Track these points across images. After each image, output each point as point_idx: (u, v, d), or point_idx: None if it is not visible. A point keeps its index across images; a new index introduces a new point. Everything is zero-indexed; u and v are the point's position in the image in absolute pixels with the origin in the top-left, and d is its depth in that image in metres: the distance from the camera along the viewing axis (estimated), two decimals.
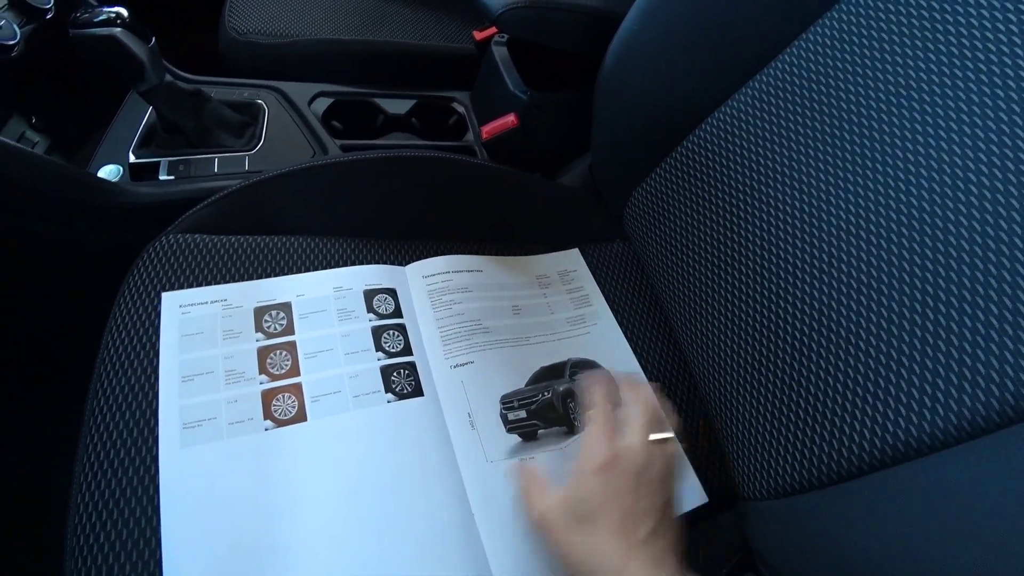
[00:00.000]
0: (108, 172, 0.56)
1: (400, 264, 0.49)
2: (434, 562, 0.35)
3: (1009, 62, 0.28)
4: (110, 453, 0.35)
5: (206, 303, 0.41)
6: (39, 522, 0.37)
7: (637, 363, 0.49)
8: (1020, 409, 0.26)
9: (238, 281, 0.44)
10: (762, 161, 0.40)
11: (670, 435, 0.38)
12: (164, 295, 0.41)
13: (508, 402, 0.43)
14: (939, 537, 0.28)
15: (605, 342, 0.50)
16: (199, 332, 0.40)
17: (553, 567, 0.36)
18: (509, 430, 0.42)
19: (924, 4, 0.32)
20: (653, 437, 0.36)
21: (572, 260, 0.55)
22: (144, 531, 0.33)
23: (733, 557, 0.44)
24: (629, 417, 0.36)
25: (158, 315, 0.40)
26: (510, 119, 0.56)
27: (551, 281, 0.52)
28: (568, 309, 0.51)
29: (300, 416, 0.38)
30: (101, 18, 0.48)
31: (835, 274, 0.34)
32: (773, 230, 0.38)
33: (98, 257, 0.55)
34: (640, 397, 0.38)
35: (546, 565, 0.36)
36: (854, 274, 0.33)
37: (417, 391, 0.41)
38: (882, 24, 0.34)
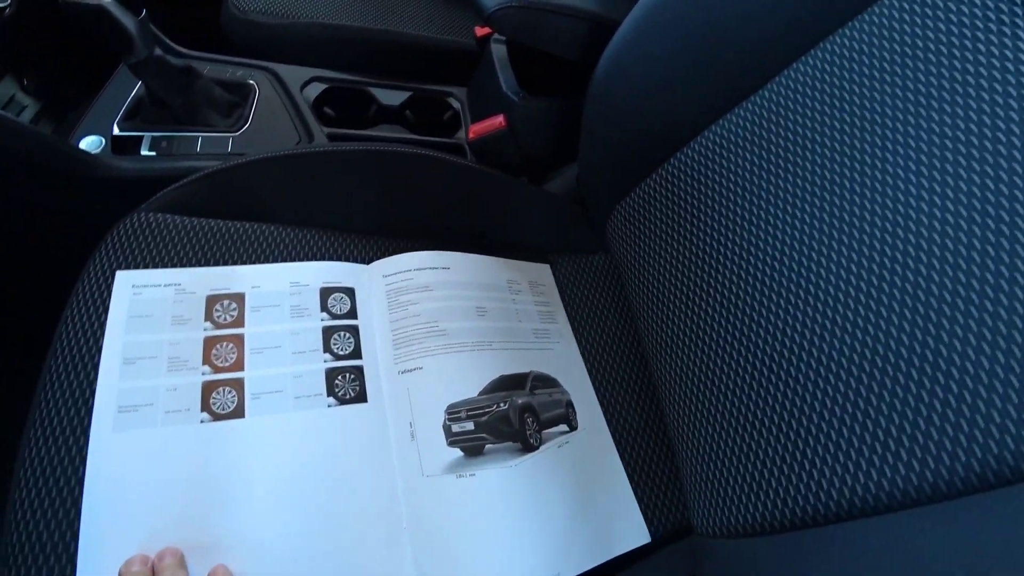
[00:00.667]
0: (89, 143, 0.55)
1: (365, 262, 0.47)
2: (356, 573, 0.34)
3: (988, 121, 0.27)
4: (47, 430, 0.35)
5: (159, 286, 0.41)
6: None
7: (592, 387, 0.48)
8: (984, 477, 0.25)
9: (200, 266, 0.43)
10: (747, 186, 0.38)
11: None
12: (118, 273, 0.40)
13: (455, 412, 0.41)
14: None
15: (564, 362, 0.48)
16: (148, 315, 0.39)
17: None
18: (450, 443, 0.40)
19: (921, 45, 0.30)
20: None
21: (543, 273, 0.53)
22: (68, 510, 0.33)
23: None
24: None
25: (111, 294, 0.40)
26: (498, 120, 0.55)
27: (521, 288, 0.51)
28: (534, 320, 0.50)
29: (238, 412, 0.37)
30: None
31: (811, 313, 0.33)
32: (752, 259, 0.37)
33: (73, 228, 0.54)
34: None
35: None
36: (830, 316, 0.32)
37: (360, 397, 0.40)
38: (875, 61, 0.32)
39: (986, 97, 0.27)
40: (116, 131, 0.56)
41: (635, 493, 0.44)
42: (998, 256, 0.26)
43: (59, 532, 0.32)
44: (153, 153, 0.55)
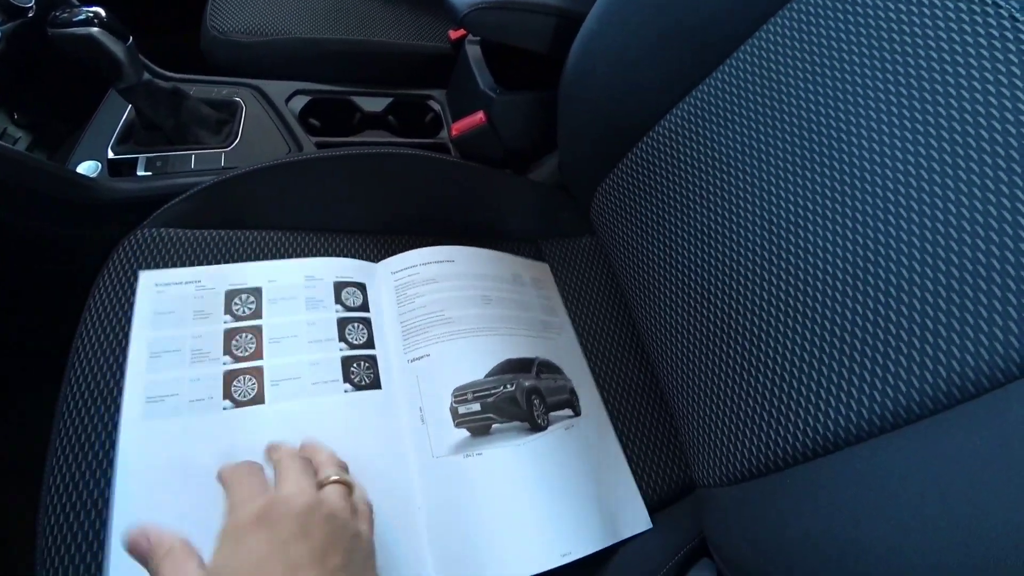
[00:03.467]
0: (86, 168, 0.57)
1: (372, 260, 0.50)
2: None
3: (961, 60, 0.29)
4: (76, 423, 0.37)
5: (181, 283, 0.43)
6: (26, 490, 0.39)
7: (592, 377, 0.50)
8: (951, 395, 0.27)
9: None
10: (719, 153, 0.41)
11: (343, 478, 0.32)
12: (141, 273, 0.43)
13: (460, 395, 0.43)
14: (870, 518, 0.29)
15: (566, 353, 0.50)
16: (171, 311, 0.41)
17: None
18: (457, 424, 0.42)
19: (879, 3, 0.33)
20: (329, 477, 0.31)
21: (543, 271, 0.56)
22: (95, 499, 0.35)
23: (689, 543, 0.45)
24: (282, 467, 0.31)
25: (134, 294, 0.42)
26: (478, 117, 0.58)
27: (525, 283, 0.53)
28: (537, 311, 0.51)
29: (258, 398, 0.39)
30: (79, 18, 0.50)
31: (791, 260, 0.35)
32: (731, 218, 0.40)
33: (76, 251, 0.56)
34: (287, 452, 0.33)
35: (484, 565, 0.37)
36: (808, 261, 0.34)
37: (375, 384, 0.42)
38: (834, 22, 0.35)
39: (956, 36, 0.30)
40: (111, 155, 0.58)
41: (632, 469, 0.45)
42: (969, 187, 0.28)
43: (90, 517, 0.34)
44: (149, 173, 0.57)
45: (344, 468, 0.34)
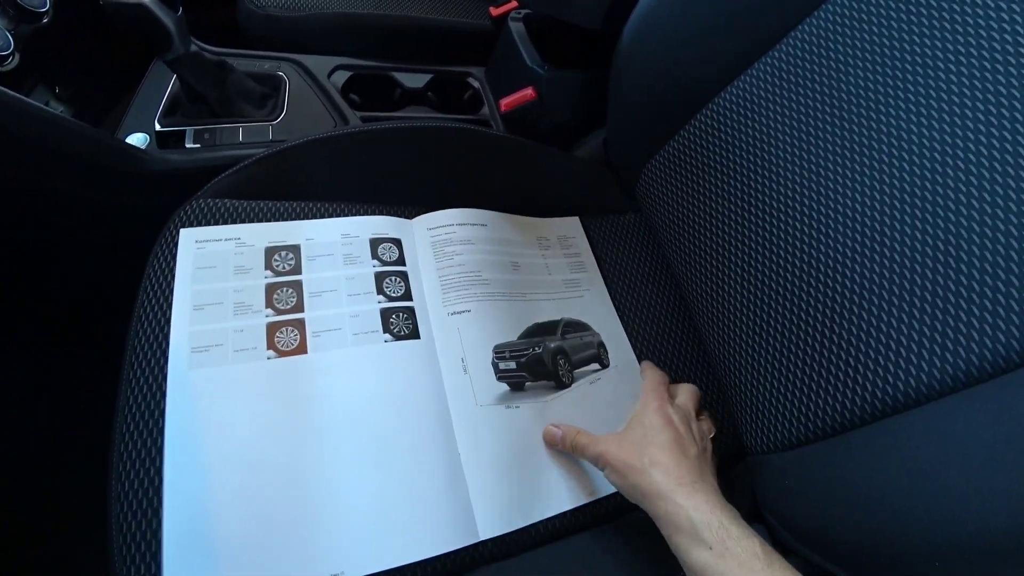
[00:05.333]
0: (136, 140, 0.57)
1: (408, 218, 0.51)
2: (419, 494, 0.38)
3: (1012, 49, 0.30)
4: (137, 374, 0.39)
5: (220, 240, 0.44)
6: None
7: (622, 328, 0.52)
8: (1009, 360, 0.28)
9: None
10: (772, 132, 0.41)
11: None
12: (182, 231, 0.44)
13: (500, 352, 0.45)
14: (934, 474, 0.30)
15: (596, 307, 0.52)
16: (212, 266, 0.42)
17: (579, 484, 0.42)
18: (499, 378, 0.44)
19: None
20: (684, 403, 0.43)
21: (571, 227, 0.57)
22: (148, 446, 0.36)
23: (742, 508, 0.46)
24: (679, 386, 0.45)
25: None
26: (528, 92, 0.58)
27: (551, 244, 0.55)
28: (564, 272, 0.53)
29: (301, 348, 0.40)
30: None
31: (843, 230, 0.36)
32: (784, 193, 0.40)
33: (127, 220, 0.56)
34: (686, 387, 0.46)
35: (523, 505, 0.39)
36: (860, 232, 0.35)
37: (414, 334, 0.44)
38: (891, 3, 0.35)
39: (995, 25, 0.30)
40: (158, 127, 0.58)
41: None
42: (1004, 169, 0.29)
43: (149, 455, 0.36)
44: (198, 145, 0.57)
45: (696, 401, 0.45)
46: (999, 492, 0.27)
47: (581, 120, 0.63)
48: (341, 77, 0.67)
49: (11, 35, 0.50)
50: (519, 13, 0.66)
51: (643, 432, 0.39)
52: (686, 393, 0.44)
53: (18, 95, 0.44)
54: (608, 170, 0.59)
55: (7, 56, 0.50)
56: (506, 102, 0.59)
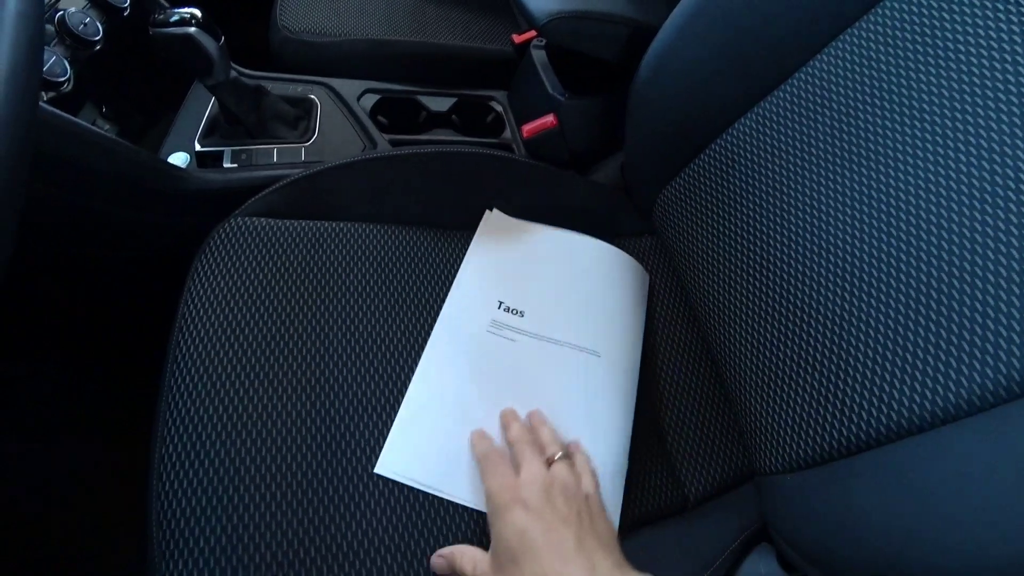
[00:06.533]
0: (178, 159, 0.60)
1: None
2: None
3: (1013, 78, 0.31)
4: (180, 382, 0.41)
5: None
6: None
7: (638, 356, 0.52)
8: (1010, 390, 0.29)
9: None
10: (790, 158, 0.43)
11: (565, 451, 0.40)
12: None
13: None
14: (937, 499, 0.31)
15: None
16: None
17: None
18: None
19: (951, 18, 0.35)
20: (554, 455, 0.38)
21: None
22: (187, 444, 0.39)
23: (745, 531, 0.48)
24: (520, 453, 0.39)
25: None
26: (549, 119, 0.60)
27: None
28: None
29: None
30: (177, 18, 0.53)
31: (857, 263, 0.38)
32: (798, 221, 0.42)
33: (165, 238, 0.59)
34: (519, 435, 0.40)
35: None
36: (873, 265, 0.37)
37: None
38: (908, 35, 0.37)
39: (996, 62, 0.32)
40: (198, 147, 0.61)
41: (678, 462, 0.49)
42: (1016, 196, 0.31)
43: (189, 454, 0.38)
44: (235, 165, 0.60)
45: (562, 445, 0.41)
46: (1001, 520, 0.28)
47: (599, 144, 0.65)
48: (369, 100, 0.70)
49: (68, 62, 0.54)
50: (541, 41, 0.69)
51: (510, 554, 0.33)
52: (527, 452, 0.38)
53: (72, 118, 0.47)
54: (624, 194, 0.61)
55: (64, 81, 0.53)
56: (528, 128, 0.61)
